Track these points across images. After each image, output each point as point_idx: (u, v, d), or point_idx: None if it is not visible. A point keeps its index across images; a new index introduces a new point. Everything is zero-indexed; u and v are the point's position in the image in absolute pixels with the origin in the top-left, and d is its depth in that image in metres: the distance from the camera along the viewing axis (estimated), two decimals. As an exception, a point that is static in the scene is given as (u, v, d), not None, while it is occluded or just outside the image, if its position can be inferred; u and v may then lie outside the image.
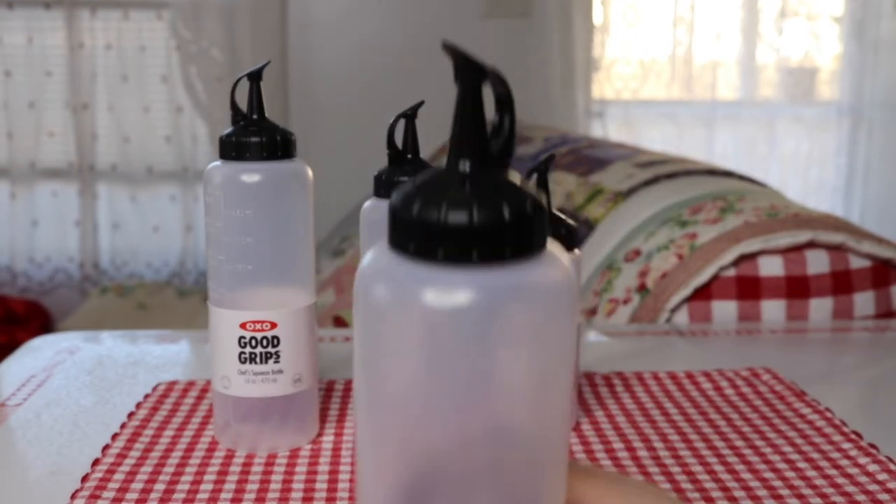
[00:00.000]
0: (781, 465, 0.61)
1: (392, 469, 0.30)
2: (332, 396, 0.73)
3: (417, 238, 0.29)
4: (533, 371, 0.29)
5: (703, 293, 1.03)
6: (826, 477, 0.60)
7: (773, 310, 1.02)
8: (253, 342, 0.61)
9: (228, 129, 0.62)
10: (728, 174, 1.40)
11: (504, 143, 0.30)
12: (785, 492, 0.58)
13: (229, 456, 0.63)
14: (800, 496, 0.57)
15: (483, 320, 0.28)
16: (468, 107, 0.30)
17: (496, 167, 0.30)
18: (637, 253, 1.16)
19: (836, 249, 1.04)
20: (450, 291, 0.28)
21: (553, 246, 0.30)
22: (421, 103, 0.62)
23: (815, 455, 0.63)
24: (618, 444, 0.65)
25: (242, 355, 0.62)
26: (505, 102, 0.30)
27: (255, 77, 0.62)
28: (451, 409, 0.29)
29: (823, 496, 0.57)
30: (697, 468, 0.61)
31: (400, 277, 0.29)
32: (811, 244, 1.04)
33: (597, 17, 2.82)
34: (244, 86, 0.62)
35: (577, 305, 0.30)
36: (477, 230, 0.28)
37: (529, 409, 0.30)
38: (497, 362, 0.28)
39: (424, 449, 0.29)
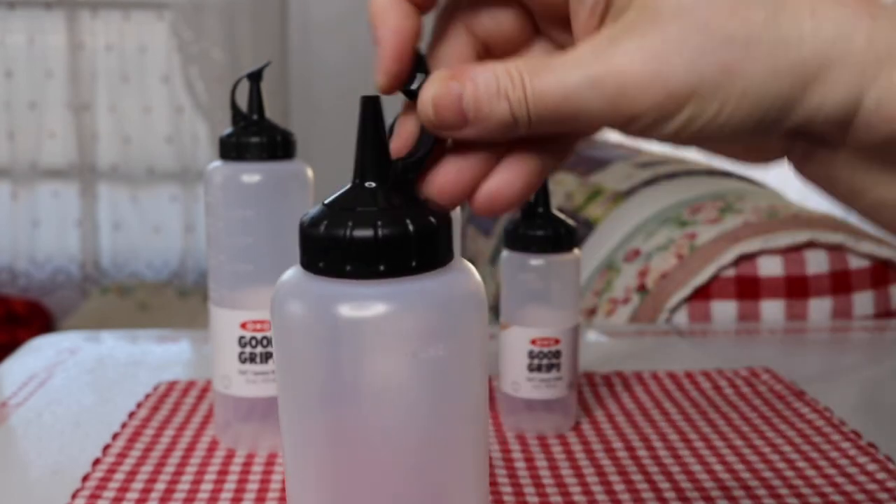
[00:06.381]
0: (780, 465, 0.62)
1: (313, 472, 0.31)
2: (332, 396, 0.73)
3: (327, 256, 0.29)
4: (444, 378, 0.30)
5: (703, 293, 1.03)
6: (825, 476, 0.60)
7: (772, 310, 1.02)
8: (253, 342, 0.62)
9: (229, 130, 0.62)
10: (727, 174, 1.40)
11: (415, 162, 0.31)
12: (784, 491, 0.58)
13: (230, 456, 0.63)
14: (799, 495, 0.57)
15: (392, 330, 0.29)
16: (369, 130, 0.31)
17: (402, 186, 0.31)
18: (637, 253, 1.16)
19: (835, 249, 1.05)
20: (360, 304, 0.29)
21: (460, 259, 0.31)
22: None
23: (814, 454, 0.63)
24: (617, 444, 0.65)
25: (243, 355, 0.62)
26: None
27: (255, 77, 0.62)
28: (364, 415, 0.30)
29: (822, 495, 0.57)
30: (697, 468, 0.61)
31: (311, 294, 0.30)
32: (810, 244, 1.04)
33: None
34: (244, 86, 0.62)
35: (484, 313, 0.31)
36: (382, 245, 0.29)
37: (440, 418, 0.30)
38: (407, 370, 0.29)
39: (343, 451, 0.30)
